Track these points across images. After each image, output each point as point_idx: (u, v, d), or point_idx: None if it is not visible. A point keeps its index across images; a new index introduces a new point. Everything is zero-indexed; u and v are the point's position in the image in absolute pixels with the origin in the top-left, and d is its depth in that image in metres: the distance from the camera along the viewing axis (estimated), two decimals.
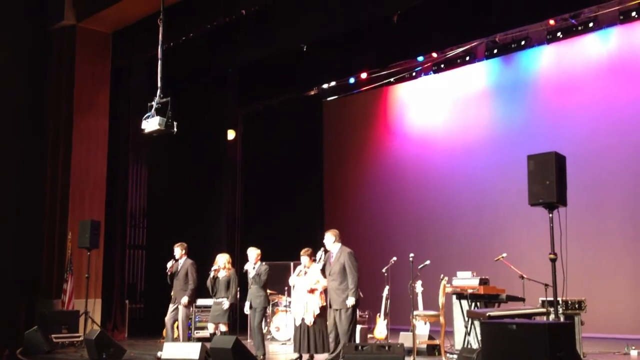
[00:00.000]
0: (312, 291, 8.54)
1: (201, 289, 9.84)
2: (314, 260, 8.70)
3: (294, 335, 8.75)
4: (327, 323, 8.37)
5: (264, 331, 10.63)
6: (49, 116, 12.38)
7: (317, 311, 8.49)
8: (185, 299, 9.40)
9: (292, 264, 9.27)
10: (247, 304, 9.19)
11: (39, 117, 12.41)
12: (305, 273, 8.70)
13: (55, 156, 12.21)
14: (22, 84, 12.36)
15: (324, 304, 8.52)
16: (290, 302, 10.53)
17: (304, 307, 8.56)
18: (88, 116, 12.43)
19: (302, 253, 8.76)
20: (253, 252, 9.23)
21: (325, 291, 8.51)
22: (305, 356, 8.57)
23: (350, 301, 8.04)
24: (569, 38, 12.84)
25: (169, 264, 9.64)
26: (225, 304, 9.06)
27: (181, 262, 9.66)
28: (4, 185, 11.94)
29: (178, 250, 9.72)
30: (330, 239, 8.39)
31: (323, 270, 8.43)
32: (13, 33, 12.30)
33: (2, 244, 11.76)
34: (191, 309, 9.77)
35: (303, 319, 8.54)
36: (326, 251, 8.42)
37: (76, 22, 12.37)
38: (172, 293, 9.63)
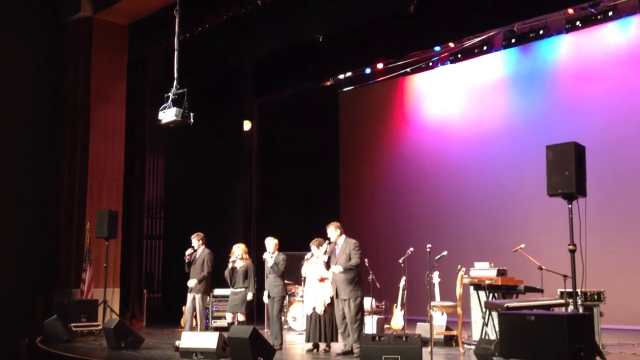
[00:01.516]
0: (322, 280, 8.57)
1: (219, 279, 9.89)
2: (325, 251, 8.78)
3: (306, 325, 8.79)
4: (336, 314, 8.40)
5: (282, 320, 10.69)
6: (66, 108, 12.45)
7: (328, 300, 8.52)
8: (193, 282, 9.46)
9: (308, 254, 9.34)
10: (265, 293, 9.26)
11: (57, 109, 12.49)
12: (320, 257, 8.74)
13: (73, 148, 12.29)
14: (39, 76, 12.44)
15: None
16: None
17: (315, 296, 8.59)
18: (105, 108, 12.49)
19: (312, 243, 8.82)
20: (271, 242, 9.33)
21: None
22: (322, 345, 8.60)
23: (337, 268, 8.13)
24: (588, 27, 12.69)
25: (188, 252, 9.70)
26: (249, 295, 9.16)
27: (199, 251, 9.72)
28: (23, 177, 12.05)
29: (195, 241, 9.77)
30: (334, 232, 8.43)
31: (328, 263, 8.45)
32: (30, 26, 12.37)
33: (21, 234, 11.89)
34: (207, 298, 9.80)
35: (314, 308, 8.57)
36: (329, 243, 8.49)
37: (93, 14, 12.41)
38: (188, 282, 9.69)
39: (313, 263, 8.77)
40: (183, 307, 10.25)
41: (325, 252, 8.46)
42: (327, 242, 8.49)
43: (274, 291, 9.17)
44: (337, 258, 8.30)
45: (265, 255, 9.35)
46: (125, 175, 12.79)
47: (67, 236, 12.10)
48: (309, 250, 8.93)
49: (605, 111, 12.40)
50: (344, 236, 8.46)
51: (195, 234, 9.86)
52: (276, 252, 9.30)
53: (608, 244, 11.69)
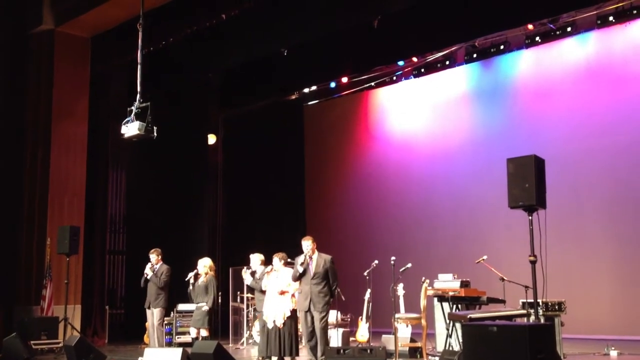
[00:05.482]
0: (282, 293, 8.57)
1: (182, 295, 9.82)
2: (287, 264, 8.81)
3: (261, 338, 8.74)
4: (302, 327, 8.41)
5: (246, 335, 10.67)
6: (27, 121, 12.24)
7: (288, 313, 8.52)
8: (158, 312, 9.54)
9: (269, 267, 9.35)
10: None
11: (18, 122, 12.26)
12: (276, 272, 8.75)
13: (34, 162, 12.08)
14: (0, 89, 12.22)
15: (295, 307, 8.60)
16: None
17: (275, 310, 8.59)
18: (67, 121, 12.32)
19: (275, 255, 8.83)
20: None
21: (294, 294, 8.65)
22: (287, 359, 8.57)
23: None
24: (548, 42, 12.98)
25: (148, 267, 9.65)
26: (205, 307, 9.07)
27: (156, 267, 9.69)
28: None
29: (153, 257, 9.79)
30: (310, 245, 8.47)
31: (302, 275, 8.46)
32: None
33: None
34: (172, 313, 9.77)
35: (274, 322, 8.55)
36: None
37: (55, 27, 12.26)
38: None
39: (274, 277, 8.76)
40: (146, 324, 10.16)
41: (302, 263, 8.45)
42: (304, 255, 8.49)
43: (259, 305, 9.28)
44: (314, 271, 8.35)
45: (257, 268, 9.44)
46: (87, 190, 12.59)
47: (27, 252, 11.85)
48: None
49: (565, 124, 12.65)
50: (316, 252, 8.50)
51: (153, 250, 9.86)
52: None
53: (568, 255, 11.89)
